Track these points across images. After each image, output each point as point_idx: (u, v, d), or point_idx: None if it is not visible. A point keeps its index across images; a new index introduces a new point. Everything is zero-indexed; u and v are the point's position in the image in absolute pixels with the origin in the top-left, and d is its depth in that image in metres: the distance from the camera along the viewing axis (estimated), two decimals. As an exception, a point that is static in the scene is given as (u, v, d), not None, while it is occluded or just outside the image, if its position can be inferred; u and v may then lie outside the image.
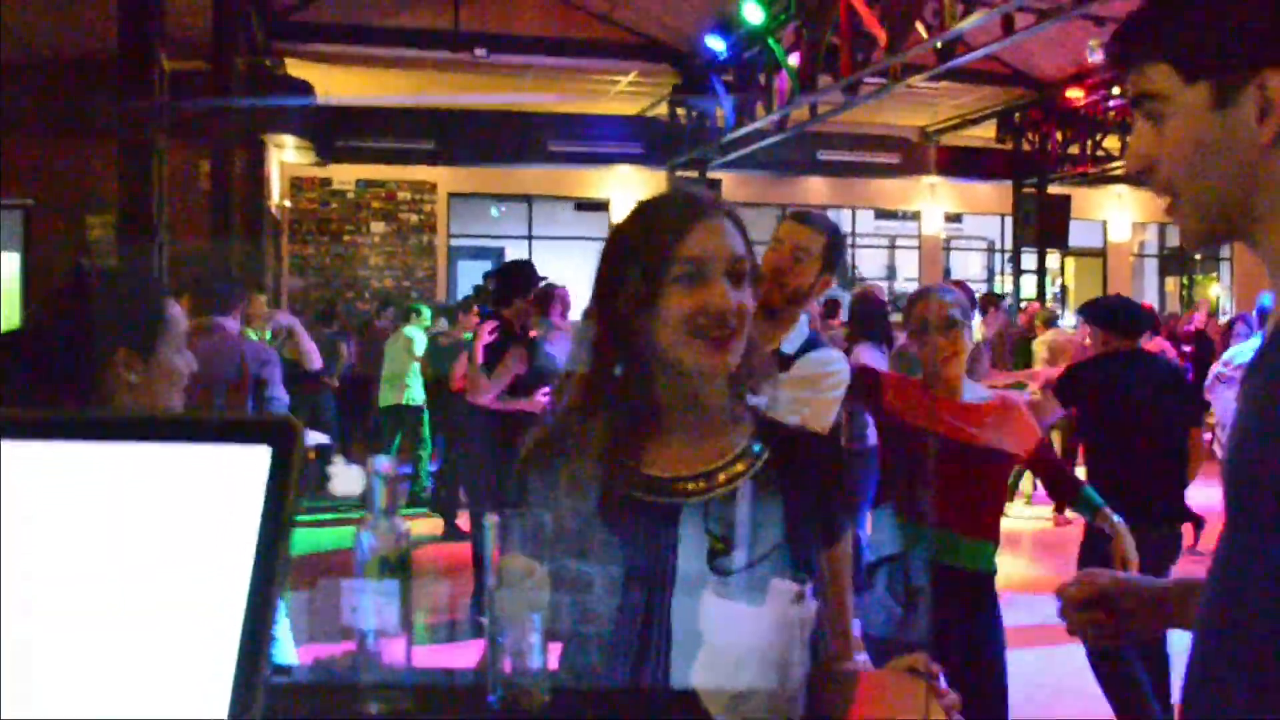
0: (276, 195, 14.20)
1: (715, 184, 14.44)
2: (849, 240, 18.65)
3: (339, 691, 1.27)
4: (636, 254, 1.43)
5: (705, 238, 1.41)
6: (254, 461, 0.86)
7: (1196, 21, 1.17)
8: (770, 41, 11.49)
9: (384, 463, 1.31)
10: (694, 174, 14.59)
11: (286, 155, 14.37)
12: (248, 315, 7.04)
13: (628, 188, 16.58)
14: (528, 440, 1.56)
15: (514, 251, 17.39)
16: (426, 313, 10.06)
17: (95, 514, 0.85)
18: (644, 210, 1.51)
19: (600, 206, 16.75)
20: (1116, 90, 14.00)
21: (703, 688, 1.15)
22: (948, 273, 17.80)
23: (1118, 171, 16.48)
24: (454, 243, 16.68)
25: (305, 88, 12.58)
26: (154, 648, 0.80)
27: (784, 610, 1.14)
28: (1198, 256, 19.07)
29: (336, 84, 13.88)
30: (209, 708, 0.77)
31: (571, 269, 15.71)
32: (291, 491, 0.85)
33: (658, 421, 1.48)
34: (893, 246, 18.61)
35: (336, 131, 14.41)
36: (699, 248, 1.41)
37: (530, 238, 17.02)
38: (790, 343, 2.86)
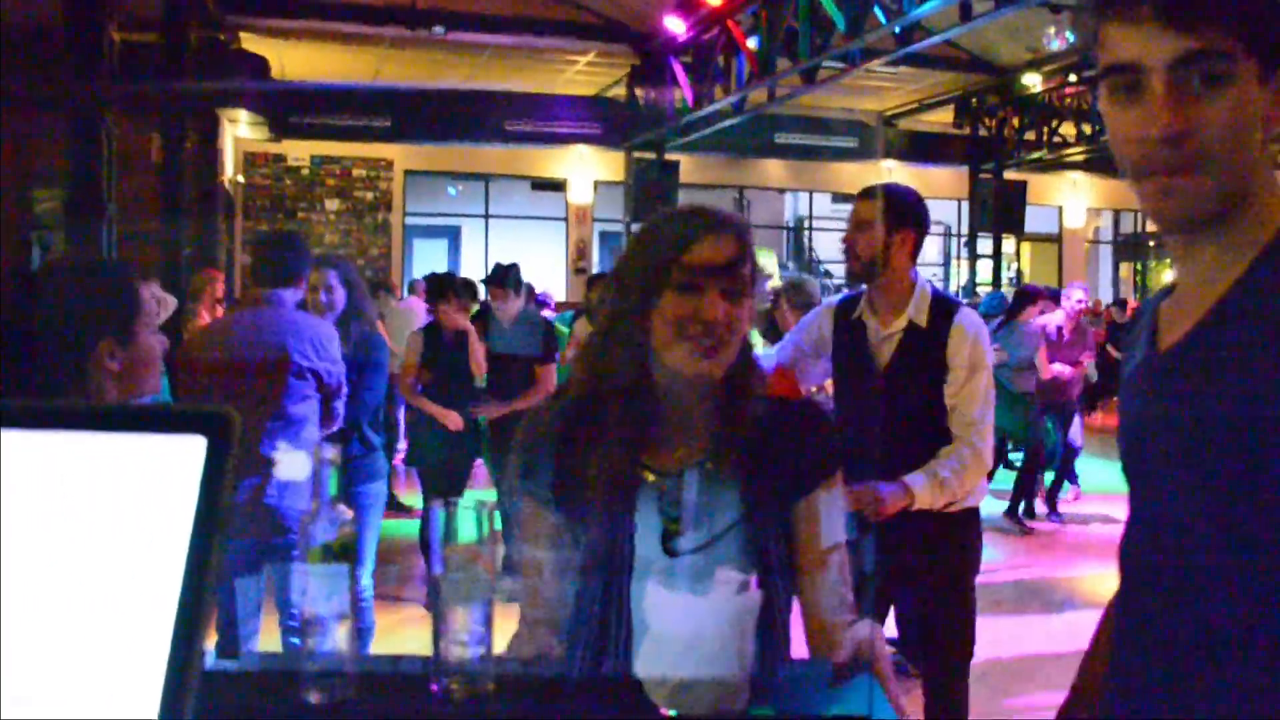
0: (230, 171, 14.01)
1: (673, 165, 14.44)
2: (807, 223, 18.75)
3: (279, 680, 1.26)
4: (645, 256, 1.54)
5: (707, 250, 1.50)
6: (189, 452, 0.86)
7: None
8: (729, 24, 11.48)
9: (330, 449, 1.30)
10: (651, 155, 14.59)
11: (240, 130, 14.18)
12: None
13: (585, 168, 16.53)
14: (524, 426, 1.64)
15: (470, 230, 17.31)
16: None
17: (26, 503, 0.83)
18: (661, 217, 1.61)
19: (557, 186, 16.70)
20: (1074, 77, 14.11)
21: (647, 677, 1.15)
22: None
23: (1074, 158, 16.64)
24: (410, 221, 16.56)
25: (260, 63, 12.40)
26: (86, 639, 0.80)
27: (729, 599, 1.15)
28: (1151, 243, 19.28)
29: (292, 59, 13.70)
30: (141, 701, 0.77)
31: (528, 248, 15.77)
32: (227, 483, 0.84)
33: (653, 415, 1.56)
34: (850, 230, 18.63)
35: (291, 107, 14.25)
36: (698, 259, 1.50)
37: (487, 216, 16.94)
38: (919, 311, 3.19)
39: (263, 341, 3.74)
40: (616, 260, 1.63)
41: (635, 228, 15.03)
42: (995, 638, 5.59)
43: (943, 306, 3.23)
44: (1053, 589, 6.95)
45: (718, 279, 1.50)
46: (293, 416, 3.71)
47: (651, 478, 1.54)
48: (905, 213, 3.25)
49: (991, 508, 8.73)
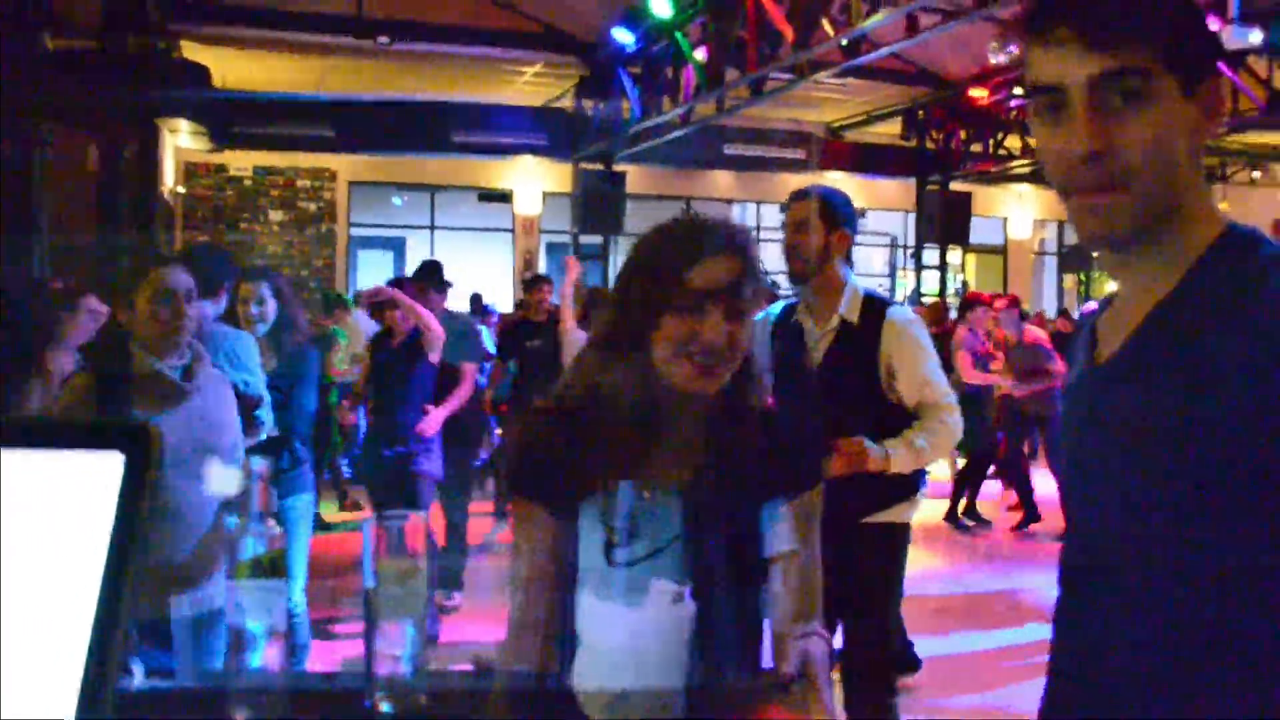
0: (170, 181, 13.81)
1: (620, 177, 14.44)
2: (756, 234, 18.83)
3: (211, 698, 1.24)
4: (649, 271, 1.54)
5: (710, 272, 1.49)
6: (107, 468, 0.84)
7: (1181, 13, 1.17)
8: (677, 35, 11.51)
9: (261, 464, 1.29)
10: (599, 166, 14.57)
11: (181, 140, 13.97)
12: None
13: (532, 179, 16.49)
14: (520, 432, 1.66)
15: (415, 242, 17.19)
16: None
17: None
18: (664, 232, 1.59)
19: (504, 197, 16.63)
20: (1019, 90, 14.29)
21: (581, 689, 1.14)
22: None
23: (1019, 170, 16.84)
24: (354, 232, 16.41)
25: (201, 71, 12.24)
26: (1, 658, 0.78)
27: (662, 611, 1.14)
28: (1095, 254, 19.50)
29: (234, 68, 13.54)
30: (56, 722, 0.75)
31: (474, 260, 15.69)
32: (145, 499, 0.82)
33: (640, 431, 1.55)
34: (797, 241, 18.73)
35: (233, 117, 14.05)
36: (701, 281, 1.49)
37: (433, 228, 16.84)
38: (850, 309, 3.26)
39: None
40: (620, 275, 1.62)
41: (623, 242, 14.95)
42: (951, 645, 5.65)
43: (874, 305, 3.30)
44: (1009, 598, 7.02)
45: (720, 301, 1.49)
46: None
47: (647, 494, 1.52)
48: (840, 213, 3.33)
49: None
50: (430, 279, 6.15)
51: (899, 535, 3.35)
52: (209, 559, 2.79)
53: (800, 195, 3.38)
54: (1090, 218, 1.19)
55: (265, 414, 3.85)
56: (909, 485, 3.32)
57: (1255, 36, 9.06)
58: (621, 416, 1.54)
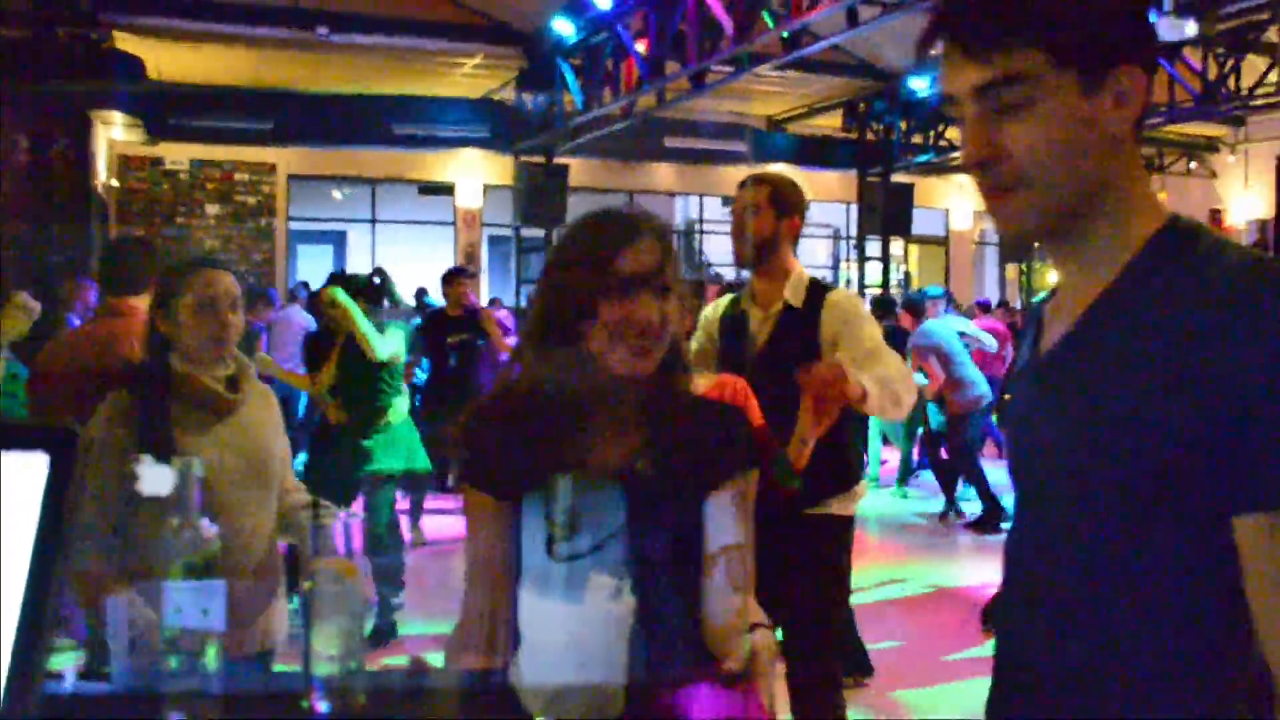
0: (103, 174, 13.55)
1: (562, 169, 14.40)
2: (698, 226, 18.89)
3: (145, 702, 1.22)
4: (576, 263, 1.61)
5: (636, 257, 1.58)
6: (31, 469, 0.83)
7: (1071, 8, 1.17)
8: (618, 27, 11.49)
9: (197, 464, 1.27)
10: (540, 159, 14.52)
11: (114, 133, 13.72)
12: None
13: (473, 172, 16.39)
14: (466, 421, 1.68)
15: (356, 235, 17.03)
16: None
17: None
18: (585, 226, 1.67)
19: (445, 190, 16.52)
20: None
21: (522, 685, 1.14)
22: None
23: (959, 161, 17.02)
24: (294, 226, 16.21)
25: (135, 63, 12.02)
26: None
27: (602, 606, 1.14)
28: (1036, 244, 19.72)
29: (169, 60, 13.30)
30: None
31: (415, 253, 15.55)
32: (70, 500, 0.81)
33: (583, 417, 1.62)
34: (739, 233, 18.80)
35: (169, 109, 13.82)
36: (630, 266, 1.57)
37: (373, 221, 16.69)
38: (795, 293, 3.25)
39: (116, 353, 3.64)
40: (543, 273, 1.69)
41: (547, 232, 14.75)
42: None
43: (818, 288, 3.30)
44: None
45: (646, 283, 1.57)
46: None
47: (592, 485, 1.56)
48: (791, 201, 3.33)
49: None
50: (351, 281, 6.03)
51: (841, 528, 3.33)
52: (263, 594, 2.61)
53: (753, 180, 3.36)
54: (997, 218, 1.23)
55: None
56: (848, 476, 3.32)
57: (1190, 28, 9.19)
58: (563, 405, 1.60)
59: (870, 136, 16.35)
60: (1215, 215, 17.75)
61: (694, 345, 3.47)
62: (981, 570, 7.04)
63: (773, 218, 3.29)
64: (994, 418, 9.03)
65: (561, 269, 1.64)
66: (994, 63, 1.16)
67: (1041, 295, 1.46)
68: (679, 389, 1.67)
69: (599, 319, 1.57)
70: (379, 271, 6.08)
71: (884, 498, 9.72)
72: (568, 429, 1.60)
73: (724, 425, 1.67)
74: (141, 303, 3.75)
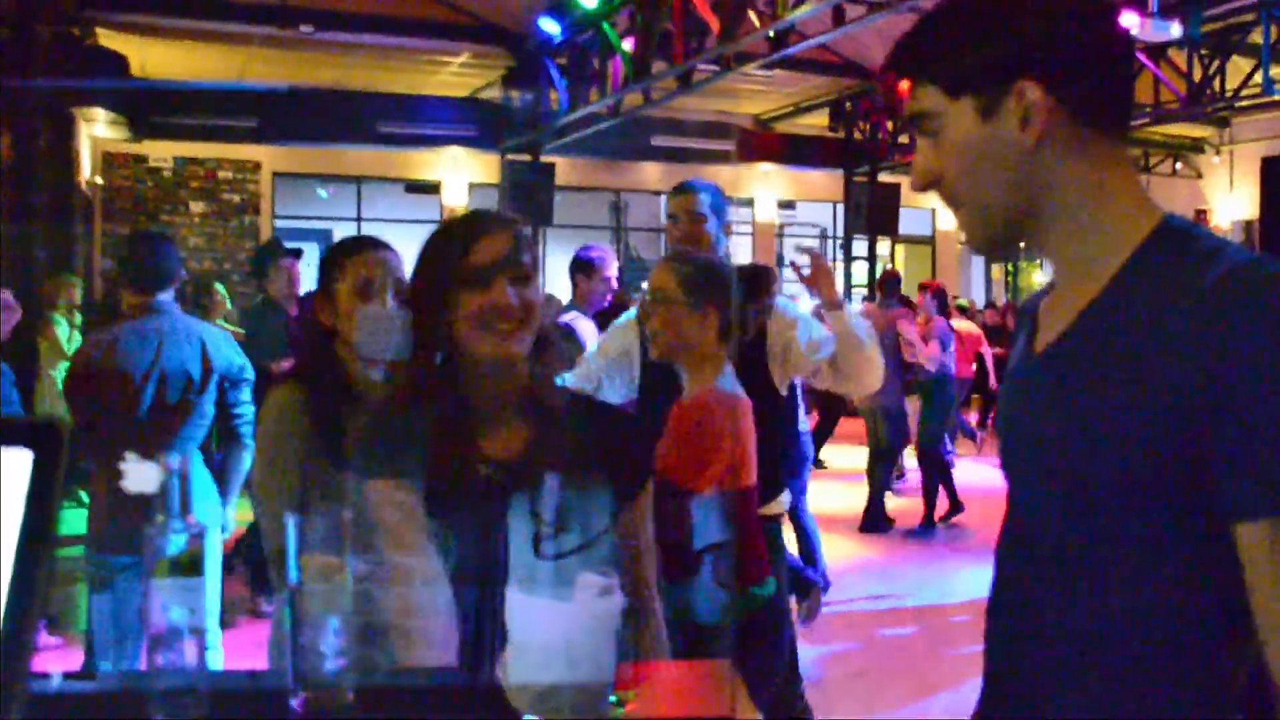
0: (87, 172, 13.47)
1: (548, 168, 14.38)
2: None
3: (131, 700, 1.21)
4: (436, 264, 1.72)
5: (489, 248, 1.67)
6: (15, 465, 0.82)
7: (953, 41, 1.24)
8: (604, 26, 11.49)
9: (177, 460, 1.26)
10: (527, 157, 14.50)
11: (98, 130, 13.64)
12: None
13: (459, 170, 16.36)
14: (353, 430, 1.77)
15: (342, 234, 16.96)
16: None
17: None
18: (441, 229, 1.80)
19: (431, 189, 16.49)
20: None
21: (509, 684, 1.14)
22: (780, 259, 18.18)
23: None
24: (279, 224, 16.13)
25: (119, 60, 11.96)
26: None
27: (589, 604, 1.14)
28: (1022, 245, 19.80)
29: (153, 57, 13.25)
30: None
31: (402, 251, 15.44)
32: (55, 496, 0.81)
33: (474, 412, 1.69)
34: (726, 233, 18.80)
35: (153, 106, 13.76)
36: (484, 255, 1.67)
37: (359, 220, 16.64)
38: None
39: (174, 351, 3.69)
40: (412, 276, 1.78)
41: (553, 234, 14.67)
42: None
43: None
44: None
45: (504, 270, 1.66)
46: (205, 416, 3.79)
47: (484, 470, 1.65)
48: (724, 205, 3.39)
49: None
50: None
51: (771, 527, 3.24)
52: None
53: (687, 188, 3.36)
54: (961, 229, 1.32)
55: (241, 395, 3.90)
56: (780, 477, 3.26)
57: (1175, 29, 9.22)
58: (446, 400, 1.68)
59: (857, 136, 16.38)
60: (1200, 216, 17.82)
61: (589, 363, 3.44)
62: (976, 571, 7.06)
63: (715, 222, 3.32)
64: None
65: (424, 269, 1.74)
66: (914, 95, 1.26)
67: (1029, 295, 1.48)
68: (555, 368, 1.76)
69: (461, 310, 1.65)
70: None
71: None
72: (451, 419, 1.67)
73: (621, 430, 1.78)
74: (168, 297, 3.78)
